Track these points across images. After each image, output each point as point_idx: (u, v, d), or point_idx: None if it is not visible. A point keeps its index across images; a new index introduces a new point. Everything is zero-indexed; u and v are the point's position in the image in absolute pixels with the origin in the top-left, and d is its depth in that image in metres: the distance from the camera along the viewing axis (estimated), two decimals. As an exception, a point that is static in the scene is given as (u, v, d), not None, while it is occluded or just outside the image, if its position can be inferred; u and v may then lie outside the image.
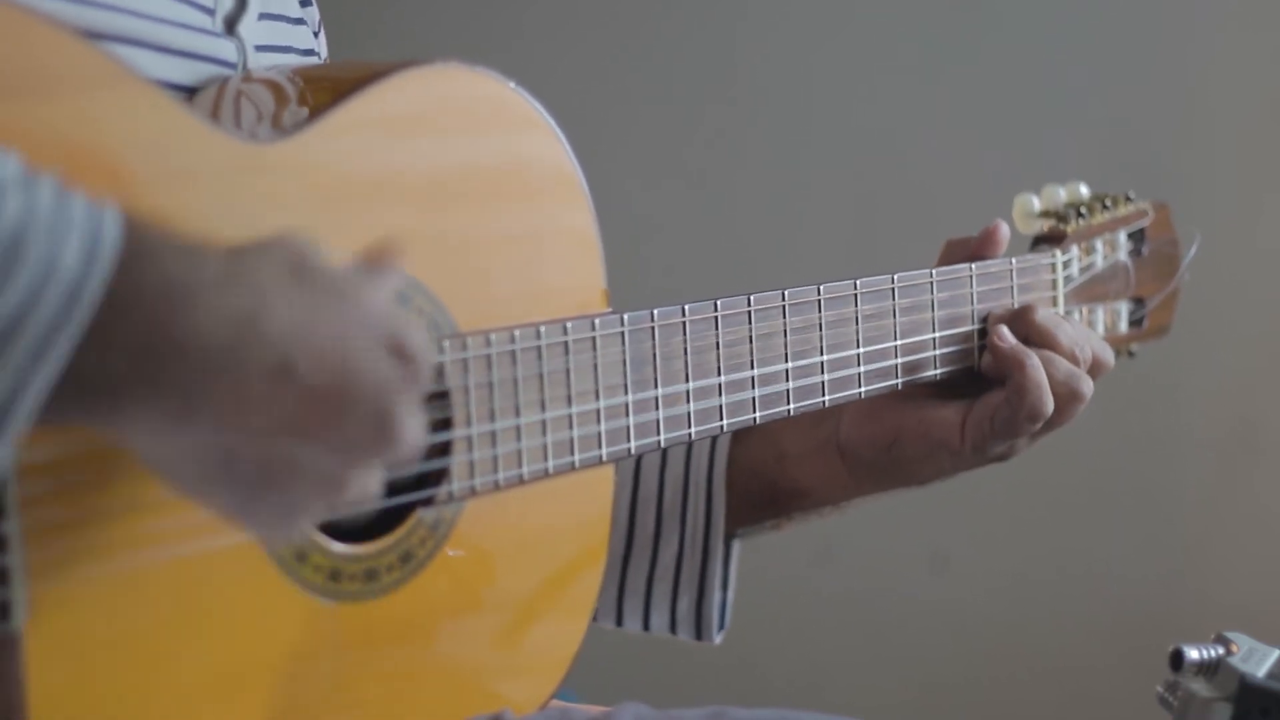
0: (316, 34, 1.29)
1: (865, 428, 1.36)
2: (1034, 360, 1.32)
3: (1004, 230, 1.39)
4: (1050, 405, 1.32)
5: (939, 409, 1.34)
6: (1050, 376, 1.32)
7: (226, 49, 1.12)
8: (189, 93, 1.08)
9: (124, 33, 1.03)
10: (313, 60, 1.25)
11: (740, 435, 1.40)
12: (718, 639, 1.42)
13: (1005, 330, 1.34)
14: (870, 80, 2.78)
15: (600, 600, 1.38)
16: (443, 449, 1.08)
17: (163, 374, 0.82)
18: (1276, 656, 1.23)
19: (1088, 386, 1.34)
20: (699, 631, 1.41)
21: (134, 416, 0.83)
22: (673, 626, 1.41)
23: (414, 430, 0.90)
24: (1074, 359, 1.34)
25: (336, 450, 0.87)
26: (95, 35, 0.99)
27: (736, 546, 1.41)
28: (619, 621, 1.42)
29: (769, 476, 1.39)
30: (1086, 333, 1.38)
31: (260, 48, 1.16)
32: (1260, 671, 1.22)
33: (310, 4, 1.29)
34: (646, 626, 1.42)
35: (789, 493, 1.39)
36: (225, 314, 0.83)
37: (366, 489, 0.90)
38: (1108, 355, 1.38)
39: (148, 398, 0.83)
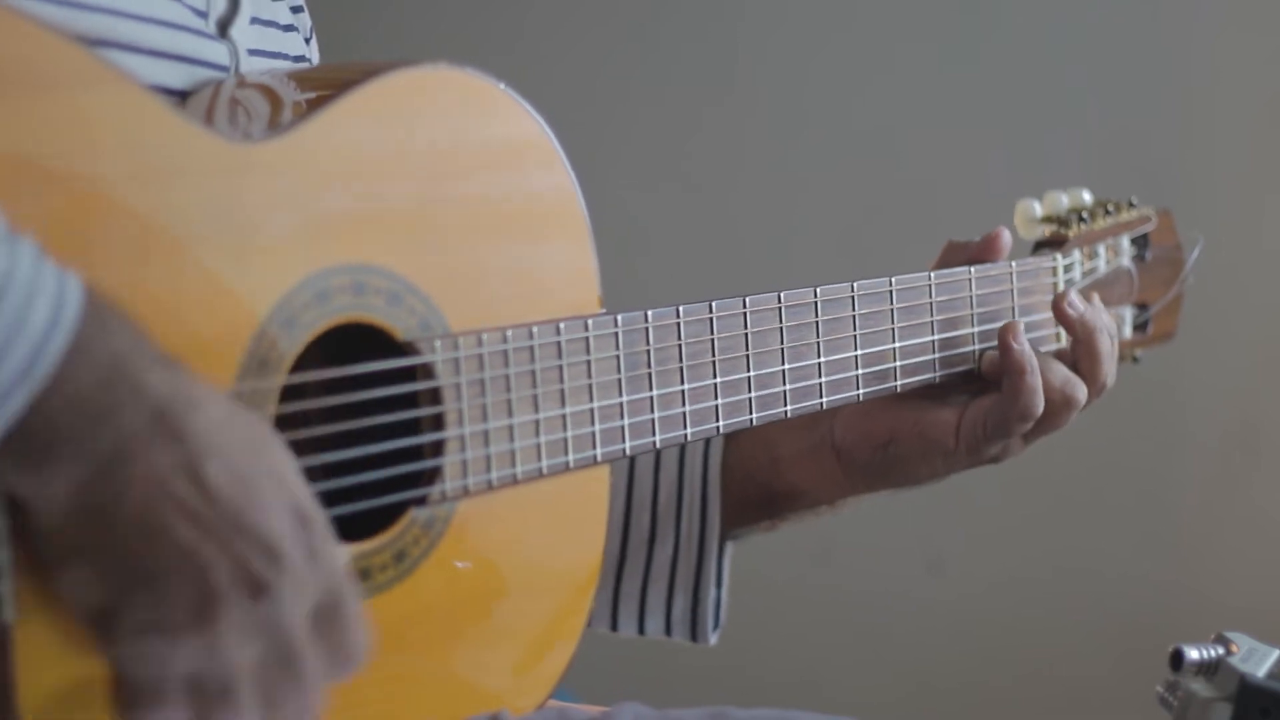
0: (308, 40, 1.29)
1: (860, 428, 1.36)
2: (1034, 364, 1.32)
3: (1006, 237, 1.39)
4: (1040, 407, 1.32)
5: (934, 410, 1.34)
6: (1047, 382, 1.33)
7: (219, 52, 1.12)
8: (182, 96, 1.08)
9: (116, 37, 1.03)
10: (303, 66, 1.25)
11: (733, 437, 1.40)
12: (713, 639, 1.41)
13: (1020, 331, 1.34)
14: (869, 83, 2.78)
15: (595, 606, 1.38)
16: (436, 448, 1.07)
17: (97, 426, 0.84)
18: (1276, 656, 1.23)
19: (1082, 393, 1.34)
20: (694, 633, 1.41)
21: (52, 472, 0.84)
22: (668, 629, 1.41)
23: (295, 611, 0.88)
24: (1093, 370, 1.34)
25: (222, 564, 0.86)
26: (86, 39, 0.99)
27: (730, 546, 1.41)
28: (614, 626, 1.42)
29: (763, 478, 1.39)
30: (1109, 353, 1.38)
31: (252, 52, 1.16)
32: (1260, 671, 1.22)
33: (301, 10, 1.28)
34: (641, 630, 1.42)
35: (784, 494, 1.39)
36: (159, 394, 0.85)
37: (236, 657, 0.87)
38: (1111, 376, 1.38)
39: (75, 451, 0.84)
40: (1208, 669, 1.23)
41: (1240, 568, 2.78)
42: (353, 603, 0.91)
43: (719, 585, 1.40)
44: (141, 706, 0.86)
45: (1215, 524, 2.81)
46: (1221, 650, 1.23)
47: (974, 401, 1.34)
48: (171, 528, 0.85)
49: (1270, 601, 2.66)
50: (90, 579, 0.86)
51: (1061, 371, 1.34)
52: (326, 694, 0.91)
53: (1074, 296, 1.36)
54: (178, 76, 1.08)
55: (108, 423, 0.84)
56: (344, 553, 0.93)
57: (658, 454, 1.40)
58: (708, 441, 1.40)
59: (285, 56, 1.22)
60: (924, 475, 1.36)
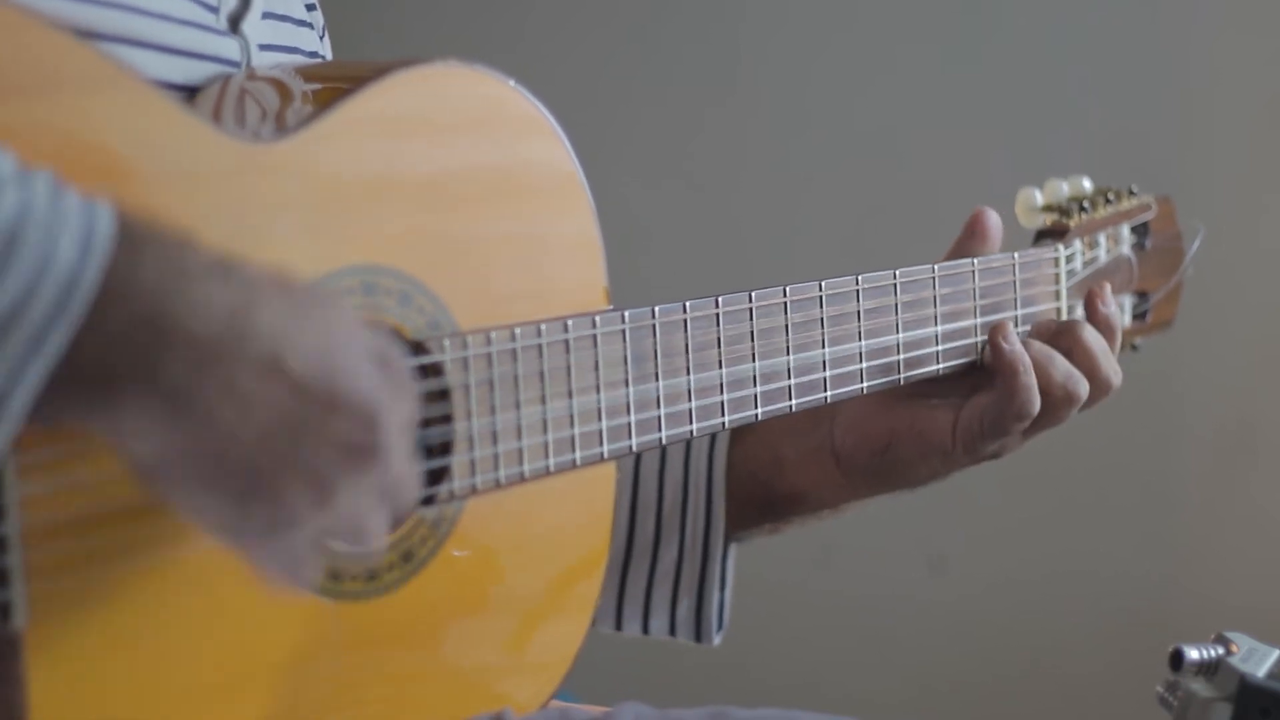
0: (321, 37, 1.29)
1: (859, 431, 1.36)
2: (1027, 363, 1.32)
3: (988, 219, 1.38)
4: (1036, 406, 1.32)
5: (931, 412, 1.34)
6: (1048, 377, 1.32)
7: (230, 47, 1.12)
8: (191, 92, 1.08)
9: (125, 32, 1.03)
10: (308, 36, 1.25)
11: (737, 438, 1.40)
12: (717, 640, 1.42)
13: (1010, 331, 1.34)
14: (872, 82, 2.78)
15: (600, 604, 1.38)
16: (444, 447, 1.08)
17: (157, 363, 0.83)
18: (1276, 656, 1.23)
19: (1083, 389, 1.34)
20: (698, 633, 1.41)
21: (128, 410, 0.83)
22: (672, 629, 1.41)
23: (403, 446, 0.90)
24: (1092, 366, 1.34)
25: (327, 452, 0.87)
26: (95, 35, 0.99)
27: (733, 548, 1.41)
28: (618, 625, 1.42)
29: (765, 479, 1.39)
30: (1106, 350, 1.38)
31: (264, 47, 1.15)
32: (1260, 671, 1.22)
33: (315, 8, 1.28)
34: (646, 630, 1.42)
35: (785, 496, 1.39)
36: (217, 304, 0.84)
37: (359, 508, 0.89)
38: (1117, 377, 1.38)
39: (142, 387, 0.83)
40: (1208, 669, 1.23)
41: (1240, 567, 2.78)
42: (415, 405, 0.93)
43: (723, 587, 1.40)
44: (289, 577, 0.89)
45: (1215, 523, 2.81)
46: (1221, 650, 1.23)
47: (970, 400, 1.33)
48: (269, 434, 0.85)
49: (1270, 601, 2.66)
50: (208, 503, 0.86)
51: (1064, 366, 1.33)
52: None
53: (1009, 329, 1.34)
54: (187, 72, 1.07)
55: (160, 363, 0.82)
56: (411, 368, 0.94)
57: (663, 456, 1.40)
58: (712, 443, 1.40)
59: (299, 51, 1.21)
60: (924, 476, 1.36)
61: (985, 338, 1.36)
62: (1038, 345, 1.34)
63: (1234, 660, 1.22)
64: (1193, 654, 1.23)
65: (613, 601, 1.41)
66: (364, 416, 0.88)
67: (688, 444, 1.40)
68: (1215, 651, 1.23)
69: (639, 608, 1.41)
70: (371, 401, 0.88)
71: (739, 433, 1.40)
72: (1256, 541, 2.79)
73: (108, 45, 1.00)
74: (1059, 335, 1.36)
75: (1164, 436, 2.80)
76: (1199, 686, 1.23)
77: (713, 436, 1.39)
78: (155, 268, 0.83)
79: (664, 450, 1.40)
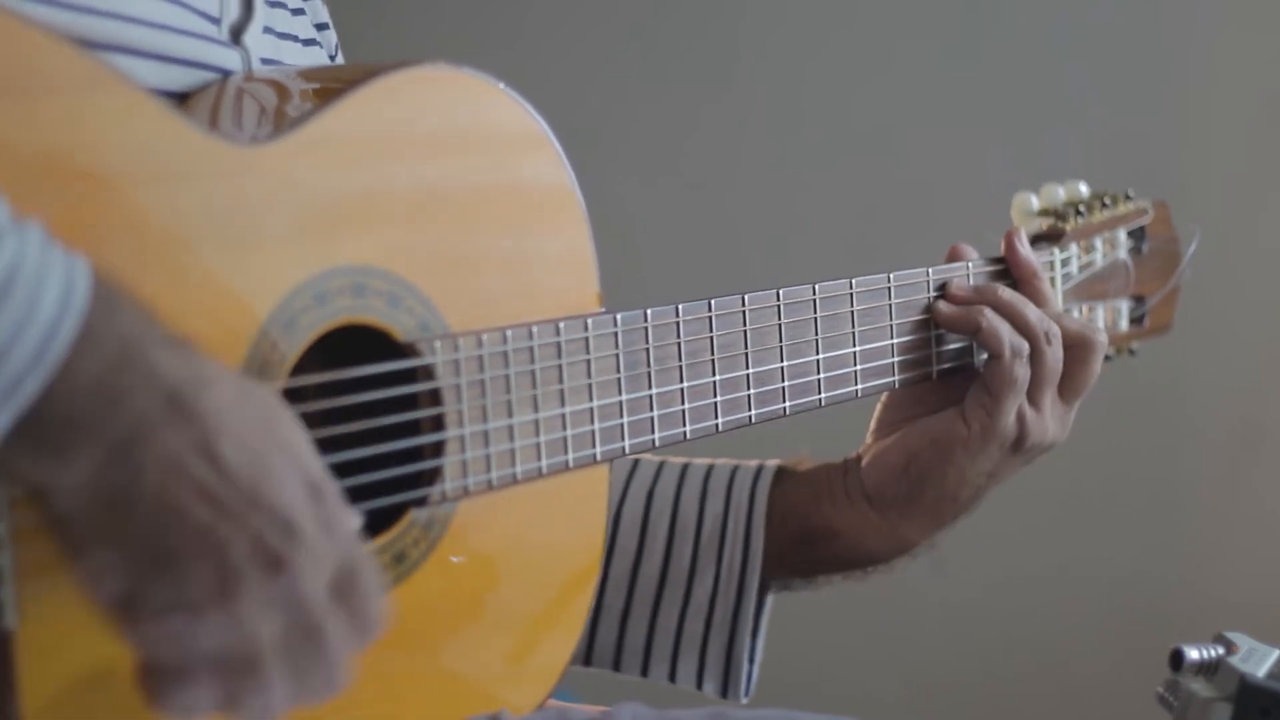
0: (333, 57, 1.28)
1: (880, 465, 1.35)
2: (984, 308, 1.32)
3: (963, 253, 1.37)
4: (1023, 341, 1.31)
5: (939, 415, 1.34)
6: (1024, 318, 1.32)
7: (231, 58, 1.12)
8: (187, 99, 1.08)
9: (125, 41, 1.03)
10: (304, 24, 1.25)
11: (782, 476, 1.39)
12: (745, 697, 1.39)
13: (942, 303, 1.34)
14: (869, 81, 2.78)
15: (627, 645, 1.38)
16: (435, 449, 1.07)
17: (111, 410, 0.84)
18: (1276, 656, 1.23)
19: (1056, 327, 1.33)
20: (726, 681, 1.39)
21: (72, 460, 0.84)
22: (700, 673, 1.39)
23: (319, 590, 0.89)
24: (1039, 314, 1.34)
25: (238, 543, 0.86)
26: (94, 44, 0.99)
27: (770, 600, 1.40)
28: (645, 668, 1.40)
29: (804, 512, 1.38)
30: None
31: (266, 61, 1.15)
32: (1260, 671, 1.22)
33: (327, 27, 1.28)
34: (673, 675, 1.39)
35: (822, 532, 1.37)
36: (170, 375, 0.86)
37: (259, 630, 0.87)
38: (1094, 334, 1.36)
39: (91, 434, 0.84)
40: (1208, 669, 1.23)
41: (1241, 567, 2.78)
42: (368, 571, 0.92)
43: (755, 634, 1.38)
44: (169, 686, 0.87)
45: (1215, 523, 2.81)
46: (1221, 650, 1.23)
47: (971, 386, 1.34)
48: (188, 508, 0.85)
49: (1270, 601, 2.66)
50: (110, 564, 0.86)
51: (1034, 310, 1.33)
52: (351, 663, 0.91)
53: (940, 304, 1.34)
54: (188, 82, 1.07)
55: (121, 406, 0.84)
56: (356, 521, 0.93)
57: (704, 488, 1.39)
58: (756, 477, 1.39)
59: (284, 6, 1.21)
60: (956, 483, 1.34)
61: (974, 335, 1.35)
62: (1007, 292, 1.34)
63: (1234, 660, 1.22)
64: (1193, 654, 1.23)
65: (643, 638, 1.39)
66: (282, 525, 0.87)
67: (730, 478, 1.39)
68: (1215, 651, 1.23)
69: (669, 642, 1.39)
70: (292, 516, 0.88)
71: (783, 471, 1.40)
72: (1258, 541, 2.79)
73: (107, 55, 1.00)
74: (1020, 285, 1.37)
75: (1165, 436, 2.79)
76: (1199, 686, 1.23)
77: (756, 474, 1.39)
78: (127, 326, 0.85)
79: (706, 482, 1.39)
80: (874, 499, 1.35)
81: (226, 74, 1.10)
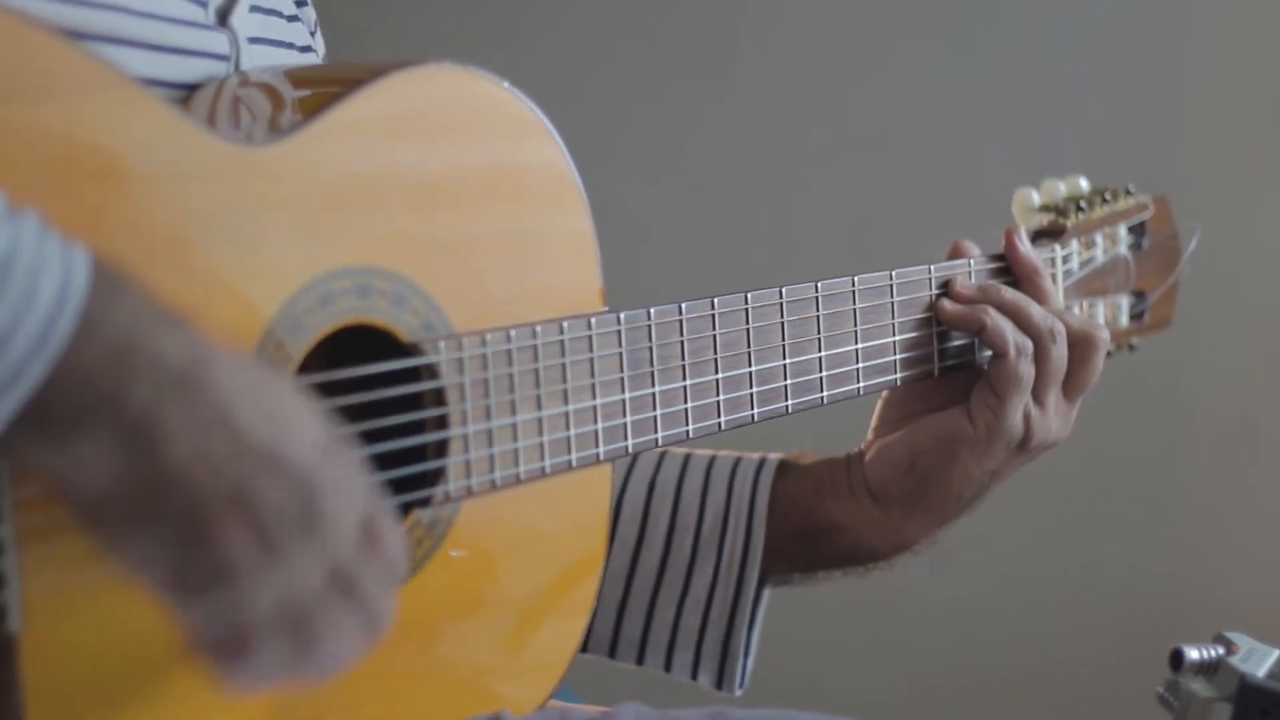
0: (313, 33, 1.28)
1: (884, 462, 1.35)
2: (988, 307, 1.32)
3: (966, 250, 1.38)
4: (1027, 340, 1.31)
5: (943, 413, 1.34)
6: (1029, 317, 1.32)
7: (219, 41, 1.11)
8: (183, 89, 1.08)
9: (113, 31, 1.03)
10: (310, 58, 1.25)
11: (785, 470, 1.39)
12: (739, 689, 1.39)
13: (946, 301, 1.34)
14: (871, 81, 2.78)
15: (624, 635, 1.38)
16: (439, 449, 1.08)
17: (122, 392, 0.84)
18: (1276, 656, 1.23)
19: (1060, 326, 1.33)
20: (721, 673, 1.39)
21: (86, 444, 0.84)
22: (696, 664, 1.39)
23: (339, 527, 0.90)
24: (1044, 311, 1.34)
25: (270, 506, 0.87)
26: (83, 35, 0.99)
27: (766, 596, 1.40)
28: (640, 657, 1.40)
29: (806, 506, 1.38)
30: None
31: (253, 40, 1.15)
32: (1260, 671, 1.22)
33: (306, 4, 1.28)
34: (669, 665, 1.39)
35: (824, 527, 1.37)
36: (176, 356, 0.86)
37: (304, 591, 0.88)
38: (1097, 331, 1.36)
39: (105, 418, 0.84)
40: (1208, 669, 1.23)
41: (1241, 567, 2.78)
42: (387, 516, 0.93)
43: (751, 627, 1.38)
44: (236, 658, 0.88)
45: (1216, 522, 2.81)
46: (1221, 650, 1.23)
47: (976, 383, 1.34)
48: (214, 480, 0.86)
49: (1270, 601, 2.66)
50: (149, 547, 0.86)
51: (1039, 309, 1.33)
52: (391, 604, 0.93)
53: (944, 301, 1.34)
54: (176, 70, 1.07)
55: (129, 391, 0.84)
56: (370, 471, 0.94)
57: (706, 481, 1.39)
58: (758, 470, 1.39)
59: (290, 47, 1.22)
60: (961, 482, 1.34)
61: (978, 334, 1.35)
62: (1010, 292, 1.34)
63: (1234, 660, 1.22)
64: (1193, 654, 1.23)
65: (639, 628, 1.39)
66: (303, 486, 0.88)
67: (733, 471, 1.39)
68: (1215, 651, 1.23)
69: (666, 634, 1.39)
70: (311, 474, 0.88)
71: (786, 465, 1.40)
72: (1257, 541, 2.79)
73: (96, 45, 1.00)
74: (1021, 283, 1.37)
75: (1165, 435, 2.80)
76: (1199, 686, 1.23)
77: (759, 466, 1.39)
78: (127, 310, 0.85)
79: (708, 474, 1.39)
80: (878, 495, 1.35)
81: (215, 58, 1.11)
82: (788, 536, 1.38)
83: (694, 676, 1.40)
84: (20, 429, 0.83)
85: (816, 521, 1.37)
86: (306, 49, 1.25)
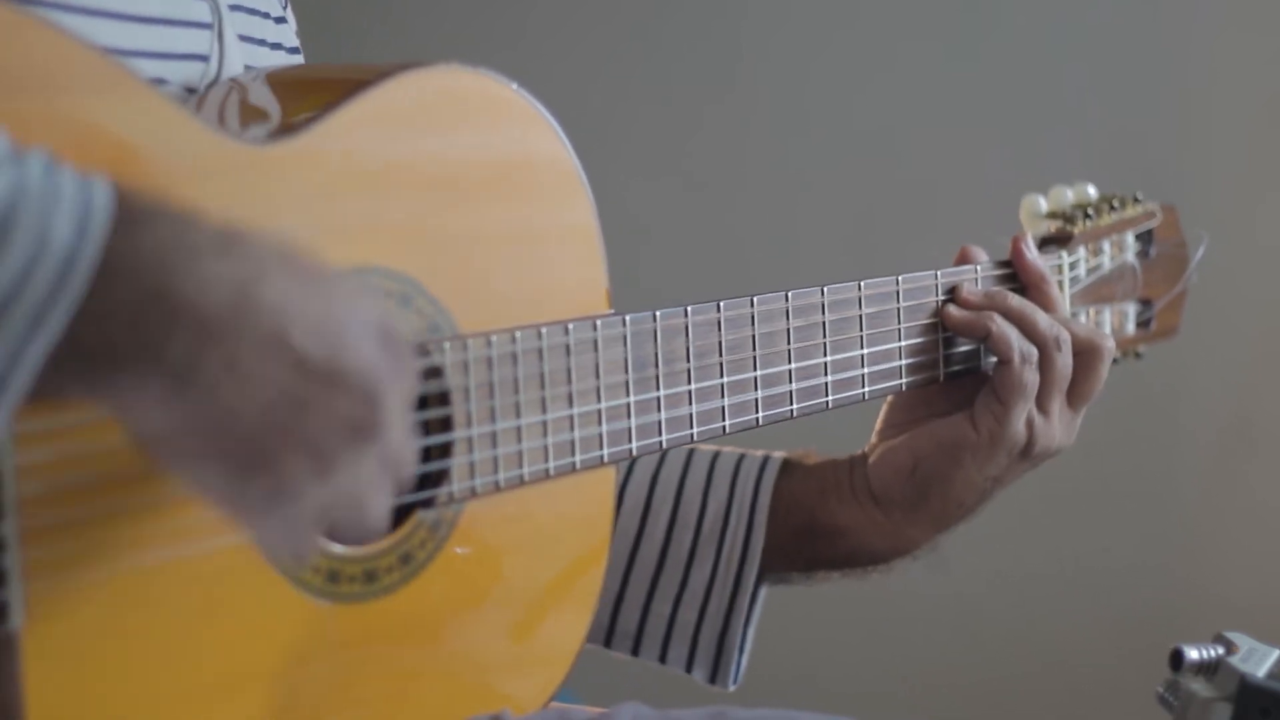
0: (285, 4, 1.27)
1: (887, 465, 1.35)
2: (994, 314, 1.32)
3: (973, 255, 1.38)
4: (1032, 347, 1.31)
5: (947, 419, 1.34)
6: (1034, 325, 1.32)
7: (199, 10, 1.11)
8: (164, 58, 1.07)
9: (91, 4, 1.02)
10: (284, 29, 1.24)
11: (788, 469, 1.39)
12: (732, 685, 1.39)
13: (952, 307, 1.34)
14: (872, 82, 2.78)
15: (620, 627, 1.38)
16: (443, 450, 1.08)
17: (161, 339, 0.82)
18: (1276, 656, 1.23)
19: (1066, 334, 1.33)
20: (716, 668, 1.39)
21: (132, 386, 0.83)
22: (691, 658, 1.39)
23: (402, 421, 0.90)
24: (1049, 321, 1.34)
25: (327, 426, 0.87)
26: (58, 7, 0.99)
27: (763, 594, 1.40)
28: (636, 649, 1.40)
29: (809, 505, 1.38)
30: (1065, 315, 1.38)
31: (234, 7, 1.15)
32: (1260, 671, 1.22)
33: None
34: (664, 657, 1.40)
35: (826, 527, 1.38)
36: (221, 279, 0.83)
37: (359, 482, 0.89)
38: (1102, 340, 1.36)
39: (146, 364, 0.82)
40: (1208, 669, 1.23)
41: (1240, 567, 2.78)
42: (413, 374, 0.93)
43: (747, 623, 1.39)
44: (289, 547, 0.91)
45: (1215, 522, 2.81)
46: (1221, 650, 1.23)
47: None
48: (272, 411, 0.85)
49: (1270, 601, 2.66)
50: (210, 475, 0.86)
51: (1044, 317, 1.33)
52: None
53: (950, 306, 1.34)
54: (157, 40, 1.06)
55: (166, 341, 0.82)
56: (413, 347, 0.95)
57: (709, 476, 1.39)
58: (762, 469, 1.39)
59: (267, 15, 1.21)
60: (963, 488, 1.34)
61: (984, 340, 1.35)
62: (1017, 300, 1.34)
63: (1234, 660, 1.22)
64: (1193, 654, 1.23)
65: (635, 621, 1.39)
66: (365, 393, 0.87)
67: (736, 467, 1.39)
68: (1215, 651, 1.23)
69: (662, 627, 1.39)
70: (373, 378, 0.88)
71: (790, 465, 1.40)
72: (1257, 540, 2.79)
73: (70, 17, 0.99)
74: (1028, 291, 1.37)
75: (1164, 435, 2.80)
76: (1199, 686, 1.23)
77: (762, 465, 1.39)
78: (157, 244, 0.83)
79: (711, 470, 1.39)
80: (880, 498, 1.35)
81: (197, 26, 1.10)
82: (788, 536, 1.38)
83: (689, 670, 1.40)
84: (57, 373, 0.81)
85: (818, 522, 1.37)
86: (281, 20, 1.24)
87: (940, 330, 1.34)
